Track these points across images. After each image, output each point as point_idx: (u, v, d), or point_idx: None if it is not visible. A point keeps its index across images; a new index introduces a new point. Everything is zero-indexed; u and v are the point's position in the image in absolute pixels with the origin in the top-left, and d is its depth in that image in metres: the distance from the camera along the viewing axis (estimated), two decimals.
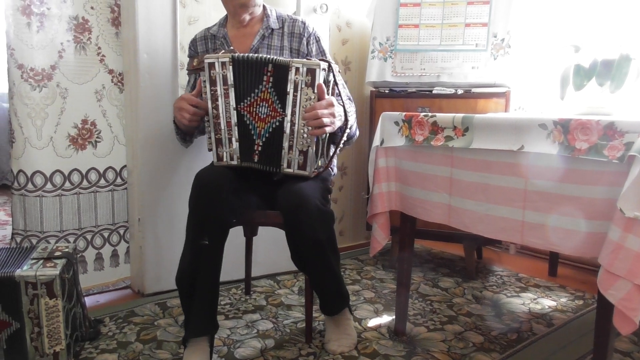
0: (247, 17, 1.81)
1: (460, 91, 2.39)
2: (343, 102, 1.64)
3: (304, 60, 1.55)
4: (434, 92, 2.43)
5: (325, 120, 1.52)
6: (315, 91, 1.52)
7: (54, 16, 1.97)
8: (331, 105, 1.54)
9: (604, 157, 1.13)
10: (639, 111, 2.10)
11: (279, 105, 1.58)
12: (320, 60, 1.57)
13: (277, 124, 1.59)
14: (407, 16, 2.48)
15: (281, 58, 1.58)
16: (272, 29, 1.83)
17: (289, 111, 1.55)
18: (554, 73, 2.33)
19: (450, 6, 2.41)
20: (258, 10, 1.83)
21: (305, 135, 1.55)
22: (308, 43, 1.82)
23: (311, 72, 1.51)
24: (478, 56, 2.37)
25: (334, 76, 1.60)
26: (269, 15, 1.85)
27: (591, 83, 1.89)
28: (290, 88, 1.54)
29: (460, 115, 1.45)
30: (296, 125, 1.55)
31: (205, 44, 1.89)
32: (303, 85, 1.52)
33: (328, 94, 1.58)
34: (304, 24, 1.84)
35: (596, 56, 1.90)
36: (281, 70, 1.56)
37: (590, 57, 1.91)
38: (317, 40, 1.84)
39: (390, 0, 2.51)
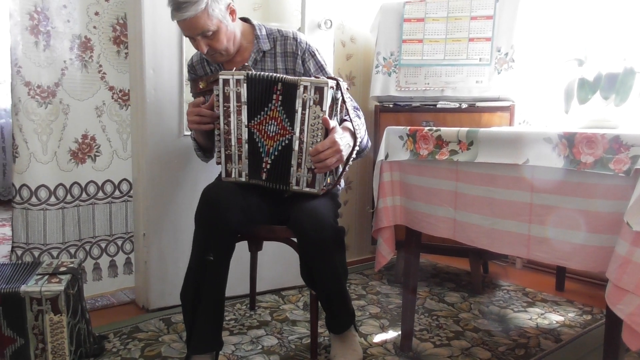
0: (228, 56, 1.72)
1: (464, 105, 2.39)
2: (351, 118, 1.61)
3: (312, 78, 1.56)
4: (438, 106, 2.44)
5: (331, 160, 1.50)
6: (324, 109, 1.51)
7: (59, 35, 2.00)
8: (334, 143, 1.50)
9: (609, 171, 1.13)
10: None
11: (288, 124, 1.57)
12: (327, 78, 1.56)
13: (286, 142, 1.58)
14: (411, 31, 2.49)
15: (289, 77, 1.57)
16: (264, 52, 1.77)
17: (297, 129, 1.55)
18: (558, 87, 2.33)
19: (453, 21, 2.43)
20: (233, 48, 1.71)
21: None
22: (304, 61, 1.76)
23: (319, 90, 1.51)
24: (482, 70, 2.38)
25: (342, 94, 1.58)
26: (259, 36, 1.77)
27: (596, 96, 1.89)
28: (298, 106, 1.53)
29: (465, 129, 1.45)
30: (305, 143, 1.55)
31: (203, 67, 1.86)
32: (311, 104, 1.52)
33: (336, 112, 1.57)
34: (296, 40, 1.76)
35: (600, 69, 1.89)
36: (290, 89, 1.55)
37: (595, 70, 1.91)
38: (313, 55, 1.77)
39: (394, 16, 2.53)
